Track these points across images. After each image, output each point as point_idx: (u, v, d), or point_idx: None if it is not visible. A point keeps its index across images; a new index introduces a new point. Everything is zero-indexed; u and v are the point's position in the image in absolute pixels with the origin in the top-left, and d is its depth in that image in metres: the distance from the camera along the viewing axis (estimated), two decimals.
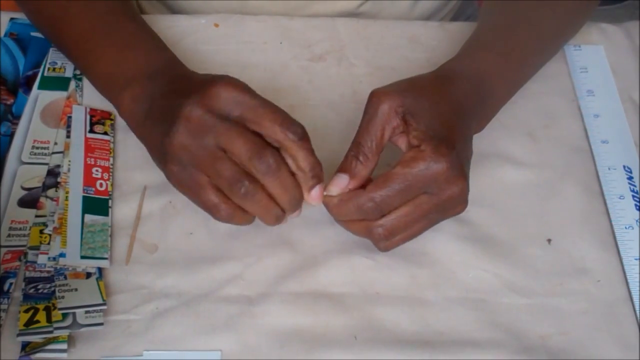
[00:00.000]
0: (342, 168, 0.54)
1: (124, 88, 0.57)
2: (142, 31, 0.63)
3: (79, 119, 0.62)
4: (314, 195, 0.53)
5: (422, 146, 0.51)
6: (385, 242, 0.54)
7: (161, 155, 0.53)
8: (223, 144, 0.50)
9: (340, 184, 0.53)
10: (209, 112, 0.50)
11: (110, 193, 0.59)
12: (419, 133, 0.52)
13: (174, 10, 0.77)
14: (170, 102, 0.53)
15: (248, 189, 0.50)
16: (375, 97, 0.54)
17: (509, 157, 0.64)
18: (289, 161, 0.52)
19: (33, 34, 0.68)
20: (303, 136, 0.51)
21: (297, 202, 0.53)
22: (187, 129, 0.51)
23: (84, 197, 0.58)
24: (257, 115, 0.51)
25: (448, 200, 0.53)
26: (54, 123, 0.62)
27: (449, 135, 0.52)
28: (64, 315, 0.52)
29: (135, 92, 0.57)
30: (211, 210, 0.52)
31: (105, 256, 0.56)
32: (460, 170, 0.52)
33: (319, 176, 0.52)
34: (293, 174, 0.52)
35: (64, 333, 0.52)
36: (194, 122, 0.50)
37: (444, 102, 0.54)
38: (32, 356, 0.51)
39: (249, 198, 0.51)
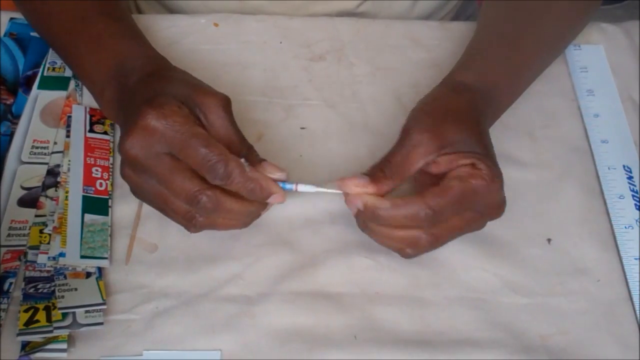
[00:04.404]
0: (367, 172, 0.53)
1: (101, 92, 0.58)
2: (118, 30, 0.60)
3: (79, 118, 0.62)
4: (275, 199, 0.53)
5: (477, 164, 0.52)
6: (418, 249, 0.53)
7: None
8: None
9: (359, 182, 0.53)
10: (148, 146, 0.50)
11: (110, 193, 0.59)
12: (468, 154, 0.52)
13: (172, 11, 0.77)
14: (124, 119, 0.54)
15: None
16: (417, 132, 0.52)
17: (509, 157, 0.63)
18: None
19: (33, 34, 0.68)
20: (225, 176, 0.50)
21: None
22: (132, 165, 0.52)
23: (83, 196, 0.58)
24: (185, 155, 0.50)
25: (483, 219, 0.54)
26: (53, 123, 0.62)
27: (493, 156, 0.53)
28: (64, 315, 0.52)
29: (109, 96, 0.57)
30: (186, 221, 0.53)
31: (105, 256, 0.55)
32: (504, 195, 0.53)
33: (268, 189, 0.52)
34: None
35: (64, 333, 0.52)
36: (135, 158, 0.51)
37: (475, 125, 0.55)
38: (32, 356, 0.51)
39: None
